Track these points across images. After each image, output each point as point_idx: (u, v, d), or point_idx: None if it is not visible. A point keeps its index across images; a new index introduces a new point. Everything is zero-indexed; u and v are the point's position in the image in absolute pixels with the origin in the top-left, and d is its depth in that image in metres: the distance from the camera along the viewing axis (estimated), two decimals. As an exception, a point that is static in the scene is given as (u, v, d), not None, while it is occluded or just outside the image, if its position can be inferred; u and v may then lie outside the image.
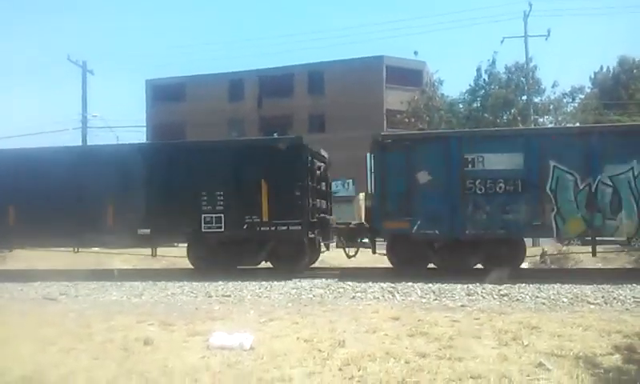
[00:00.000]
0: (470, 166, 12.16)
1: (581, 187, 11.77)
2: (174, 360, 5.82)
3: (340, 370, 5.37)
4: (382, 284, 10.84)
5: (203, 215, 13.17)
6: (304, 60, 41.88)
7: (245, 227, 13.06)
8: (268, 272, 13.11)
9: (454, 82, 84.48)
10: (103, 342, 6.71)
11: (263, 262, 13.71)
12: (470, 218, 12.14)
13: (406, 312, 8.34)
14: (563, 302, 9.31)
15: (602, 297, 9.51)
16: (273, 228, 12.97)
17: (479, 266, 12.55)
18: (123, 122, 75.92)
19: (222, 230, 13.17)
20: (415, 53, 40.45)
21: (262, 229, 13.01)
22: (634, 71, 38.54)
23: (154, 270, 14.13)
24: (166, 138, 32.45)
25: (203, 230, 13.21)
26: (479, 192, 12.09)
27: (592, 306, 8.95)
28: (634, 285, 10.22)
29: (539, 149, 12.00)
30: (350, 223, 14.12)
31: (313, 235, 13.32)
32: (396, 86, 38.31)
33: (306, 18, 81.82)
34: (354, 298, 10.03)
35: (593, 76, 42.66)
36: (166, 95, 42.84)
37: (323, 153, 14.92)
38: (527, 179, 11.98)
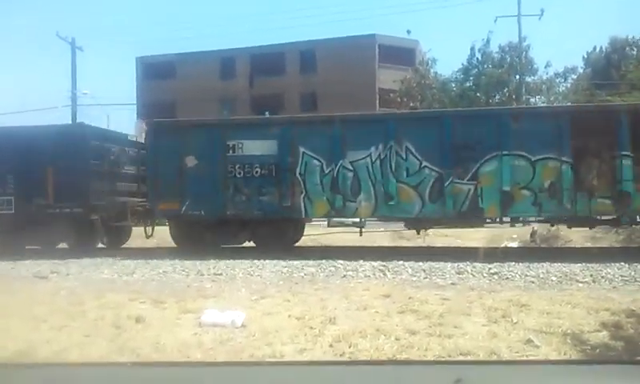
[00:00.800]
0: (231, 151, 13.02)
1: (326, 172, 12.63)
2: (166, 337, 5.86)
3: (331, 346, 5.43)
4: (373, 263, 10.89)
5: None
6: (296, 37, 41.44)
7: (33, 210, 13.67)
8: (256, 250, 13.15)
9: (447, 61, 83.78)
10: (95, 320, 6.73)
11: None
12: (231, 199, 13.02)
13: (397, 290, 8.40)
14: (552, 280, 9.40)
15: (591, 275, 9.60)
16: (57, 210, 13.57)
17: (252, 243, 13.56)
18: (114, 99, 75.15)
19: (13, 211, 13.79)
20: (408, 31, 40.25)
21: (48, 211, 13.61)
22: (626, 49, 38.54)
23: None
24: (156, 116, 32.18)
25: None
26: (239, 176, 12.98)
27: (580, 285, 9.04)
28: (622, 263, 10.32)
29: (290, 136, 12.85)
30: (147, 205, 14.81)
31: (96, 217, 13.81)
32: (388, 65, 38.13)
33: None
34: (345, 276, 10.08)
35: (586, 56, 42.67)
36: (156, 73, 42.47)
37: (133, 138, 15.89)
38: (280, 164, 12.84)
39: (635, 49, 37.29)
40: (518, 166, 11.91)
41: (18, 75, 76.73)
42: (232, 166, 12.95)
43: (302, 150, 12.69)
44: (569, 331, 5.79)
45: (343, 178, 12.55)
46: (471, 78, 33.14)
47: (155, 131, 13.76)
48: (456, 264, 10.58)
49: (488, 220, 12.94)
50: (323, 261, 11.22)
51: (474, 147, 12.05)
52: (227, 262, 11.54)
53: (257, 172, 12.87)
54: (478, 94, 31.49)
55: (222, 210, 13.01)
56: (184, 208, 13.12)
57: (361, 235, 13.68)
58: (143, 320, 6.59)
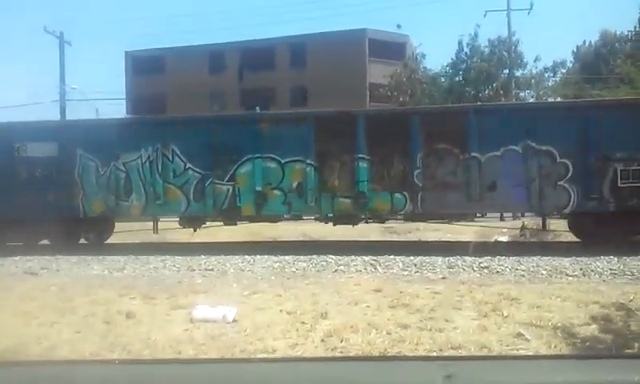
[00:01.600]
0: (17, 153, 13.43)
1: (101, 172, 13.25)
2: (157, 333, 5.84)
3: (323, 341, 5.43)
4: (365, 257, 10.91)
5: None
6: (286, 32, 41.38)
7: None
8: (250, 246, 13.16)
9: (438, 55, 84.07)
10: (85, 316, 6.69)
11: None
12: (19, 199, 13.19)
13: (388, 284, 8.42)
14: (542, 274, 9.45)
15: (580, 269, 9.67)
16: None
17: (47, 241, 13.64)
18: (103, 93, 74.48)
19: None
20: (398, 26, 40.27)
21: None
22: (616, 44, 38.68)
23: None
24: (146, 111, 32.00)
25: None
26: (25, 176, 13.38)
27: (570, 278, 9.10)
28: (611, 257, 10.39)
29: (69, 138, 13.32)
30: None
31: None
32: (379, 60, 38.10)
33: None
34: (336, 271, 10.09)
35: (575, 50, 42.81)
36: (145, 67, 42.16)
37: None
38: (60, 166, 13.29)
39: (625, 43, 37.43)
40: (269, 168, 12.69)
41: (4, 70, 75.92)
42: (19, 167, 13.35)
43: (79, 152, 13.20)
44: (559, 324, 5.83)
45: (116, 179, 13.17)
46: (460, 73, 33.17)
47: None
48: (447, 258, 10.61)
49: (246, 218, 13.57)
50: (314, 256, 11.22)
51: (231, 150, 12.74)
52: (218, 257, 11.51)
53: (40, 173, 13.32)
54: (468, 89, 31.54)
55: (10, 210, 13.22)
56: None
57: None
58: (134, 316, 6.56)
